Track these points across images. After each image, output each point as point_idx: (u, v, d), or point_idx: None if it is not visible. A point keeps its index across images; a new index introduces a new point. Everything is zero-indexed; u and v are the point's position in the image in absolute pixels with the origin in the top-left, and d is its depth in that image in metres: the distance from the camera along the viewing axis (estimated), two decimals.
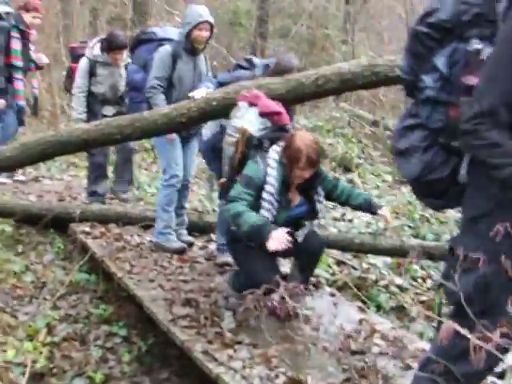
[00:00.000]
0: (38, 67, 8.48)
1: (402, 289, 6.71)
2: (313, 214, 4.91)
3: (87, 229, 6.75)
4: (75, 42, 7.88)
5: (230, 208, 4.55)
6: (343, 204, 5.21)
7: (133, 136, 5.79)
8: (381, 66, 5.18)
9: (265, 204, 4.58)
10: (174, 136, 6.12)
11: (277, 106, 4.87)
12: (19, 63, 7.77)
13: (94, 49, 7.18)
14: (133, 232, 6.84)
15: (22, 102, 8.11)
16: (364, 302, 6.16)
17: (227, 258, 5.79)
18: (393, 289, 6.66)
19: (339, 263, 7.10)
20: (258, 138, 4.75)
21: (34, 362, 5.28)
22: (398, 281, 6.78)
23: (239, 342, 4.49)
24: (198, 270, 5.90)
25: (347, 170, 11.75)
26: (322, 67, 5.82)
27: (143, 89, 6.19)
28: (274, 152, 4.66)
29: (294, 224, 4.81)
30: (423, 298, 6.58)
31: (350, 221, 8.59)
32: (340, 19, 19.88)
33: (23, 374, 5.17)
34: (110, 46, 7.17)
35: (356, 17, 19.26)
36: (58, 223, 6.93)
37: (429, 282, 6.95)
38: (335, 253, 7.12)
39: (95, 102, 7.37)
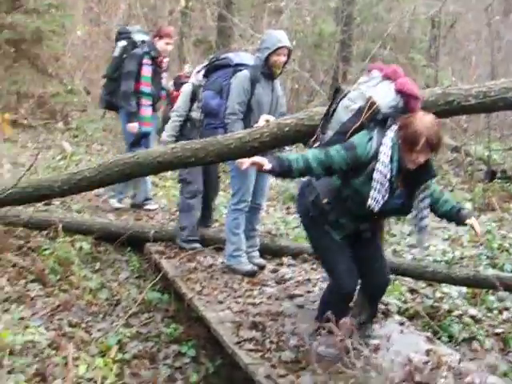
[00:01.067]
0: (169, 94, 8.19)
1: (476, 320, 6.56)
2: (406, 211, 4.58)
3: (161, 248, 6.87)
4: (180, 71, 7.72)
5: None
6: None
7: (206, 160, 5.84)
8: (455, 95, 5.10)
9: (376, 185, 4.21)
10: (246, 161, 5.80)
11: (416, 89, 4.42)
12: (147, 90, 7.83)
13: (198, 74, 6.83)
14: (206, 253, 6.90)
15: (148, 128, 8.13)
16: (435, 332, 6.05)
17: None
18: (466, 319, 6.50)
19: (412, 291, 6.98)
20: (383, 114, 4.34)
21: (104, 378, 5.34)
22: (473, 311, 6.62)
23: (303, 368, 4.49)
24: (267, 293, 5.88)
25: None
26: None
27: (219, 114, 6.26)
28: (393, 132, 4.27)
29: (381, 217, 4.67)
30: (498, 331, 6.41)
31: (426, 248, 8.44)
32: (425, 43, 19.68)
33: None
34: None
35: (441, 41, 19.06)
36: (135, 242, 7.06)
37: (505, 314, 6.76)
38: (408, 280, 7.03)
39: (192, 127, 7.00)
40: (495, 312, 6.77)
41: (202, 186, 7.23)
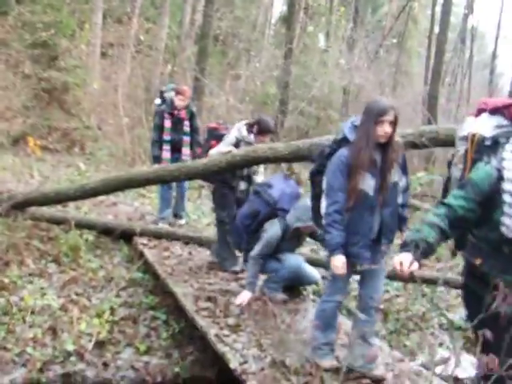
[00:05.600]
0: (194, 139, 7.38)
1: None
2: None
3: (145, 241, 6.71)
4: (212, 123, 6.37)
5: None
6: None
7: (180, 177, 5.80)
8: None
9: (507, 210, 2.71)
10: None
11: (507, 100, 3.13)
12: (167, 138, 7.19)
13: (241, 130, 5.74)
14: (177, 246, 6.75)
15: None
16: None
17: None
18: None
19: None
20: (491, 138, 3.01)
21: (99, 333, 5.26)
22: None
23: (242, 330, 4.43)
24: (219, 276, 5.78)
25: None
26: (316, 137, 5.75)
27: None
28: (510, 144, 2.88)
29: None
30: (381, 307, 6.40)
31: None
32: (339, 104, 19.86)
33: (90, 341, 5.17)
34: (261, 129, 5.66)
35: (350, 103, 19.31)
36: (126, 236, 6.90)
37: (386, 296, 6.74)
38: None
39: (234, 176, 5.82)
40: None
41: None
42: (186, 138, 7.31)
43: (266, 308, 4.54)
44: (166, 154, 7.18)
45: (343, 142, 3.64)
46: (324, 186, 3.69)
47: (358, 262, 3.59)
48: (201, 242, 6.82)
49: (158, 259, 6.15)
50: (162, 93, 7.47)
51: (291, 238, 5.00)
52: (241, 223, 5.16)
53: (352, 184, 3.52)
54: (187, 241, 6.87)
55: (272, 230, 4.92)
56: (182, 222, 7.68)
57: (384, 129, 3.48)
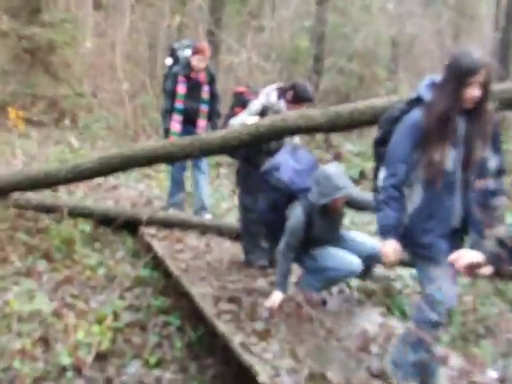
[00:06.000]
0: (213, 108, 7.41)
1: None
2: None
3: (153, 231, 6.79)
4: (240, 87, 6.32)
5: None
6: None
7: (192, 154, 5.82)
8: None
9: None
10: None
11: None
12: (180, 106, 7.18)
13: (270, 96, 5.75)
14: (191, 236, 6.82)
15: None
16: (389, 308, 6.03)
17: None
18: (416, 297, 6.48)
19: None
20: None
21: (100, 343, 5.32)
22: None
23: (272, 337, 4.46)
24: (244, 271, 5.84)
25: None
26: (359, 101, 5.71)
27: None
28: None
29: None
30: None
31: None
32: (387, 59, 19.69)
33: (89, 353, 5.23)
34: (297, 97, 5.61)
35: (400, 58, 19.11)
36: (130, 225, 6.98)
37: None
38: None
39: (260, 153, 5.79)
40: None
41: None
42: (204, 107, 7.31)
43: (301, 310, 4.55)
44: (176, 125, 7.22)
45: (417, 102, 3.58)
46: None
47: (431, 255, 3.53)
48: (220, 232, 6.89)
49: (169, 253, 6.21)
50: (173, 51, 7.46)
51: (323, 220, 4.97)
52: (264, 221, 5.24)
53: (426, 155, 3.46)
54: (204, 230, 6.93)
55: (293, 216, 4.92)
56: (208, 216, 7.61)
57: (472, 92, 3.37)
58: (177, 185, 7.56)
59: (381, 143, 3.78)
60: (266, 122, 5.49)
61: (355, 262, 5.00)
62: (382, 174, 3.64)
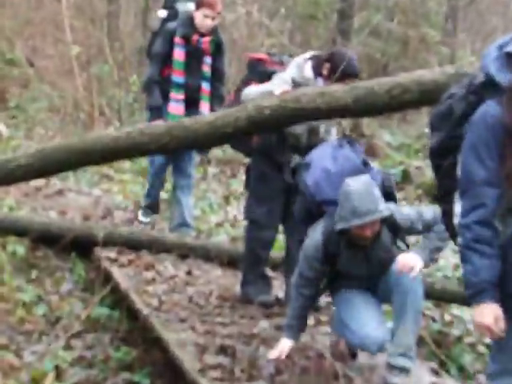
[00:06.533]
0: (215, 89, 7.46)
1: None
2: None
3: (113, 255, 6.81)
4: (257, 53, 6.27)
5: None
6: None
7: (169, 146, 5.81)
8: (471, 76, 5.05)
9: None
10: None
11: None
12: (179, 79, 7.15)
13: (303, 69, 5.65)
14: (167, 261, 6.84)
15: None
16: (443, 363, 6.03)
17: None
18: (481, 349, 6.49)
19: None
20: None
21: None
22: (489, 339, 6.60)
23: None
24: (239, 310, 5.86)
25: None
26: (401, 74, 5.70)
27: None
28: None
29: None
30: None
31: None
32: (441, 16, 19.72)
33: None
34: (335, 71, 5.50)
35: (460, 14, 19.14)
36: (81, 246, 7.00)
37: None
38: None
39: (284, 147, 5.78)
40: None
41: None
42: (205, 86, 7.31)
43: (321, 363, 4.56)
44: (176, 106, 7.17)
45: (488, 88, 3.45)
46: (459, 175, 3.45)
47: None
48: (207, 255, 6.92)
49: (135, 284, 6.24)
50: (170, 1, 7.45)
51: (350, 250, 4.96)
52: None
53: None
54: (184, 253, 6.95)
55: (310, 237, 4.91)
56: (191, 232, 7.66)
57: None
58: (157, 179, 7.63)
59: (441, 153, 3.58)
60: (272, 102, 5.49)
61: (372, 339, 4.89)
62: (459, 206, 3.45)
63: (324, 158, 4.99)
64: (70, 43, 13.72)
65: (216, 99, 7.28)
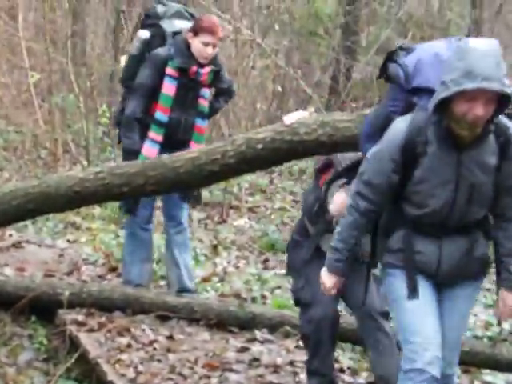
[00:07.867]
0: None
1: None
2: None
3: (81, 317, 6.79)
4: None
5: None
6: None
7: (145, 189, 5.82)
8: None
9: None
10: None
11: None
12: (162, 117, 6.94)
13: None
14: (145, 324, 6.83)
15: None
16: None
17: None
18: None
19: None
20: None
21: None
22: None
23: None
24: (231, 381, 5.85)
25: None
26: None
27: None
28: None
29: None
30: None
31: None
32: (462, 30, 19.87)
33: None
34: None
35: (486, 26, 19.28)
36: (43, 308, 6.99)
37: None
38: None
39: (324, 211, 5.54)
40: None
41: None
42: (200, 123, 7.22)
43: None
44: (150, 148, 6.96)
45: None
46: None
47: None
48: (192, 315, 6.94)
49: (107, 352, 6.21)
50: (147, 18, 7.34)
51: (443, 152, 4.22)
52: None
53: None
54: (165, 313, 6.95)
55: (389, 129, 4.39)
56: (194, 296, 7.53)
57: None
58: (139, 248, 7.45)
59: None
60: (266, 134, 5.54)
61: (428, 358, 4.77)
62: None
63: (437, 46, 4.49)
64: (28, 69, 13.82)
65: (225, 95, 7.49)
